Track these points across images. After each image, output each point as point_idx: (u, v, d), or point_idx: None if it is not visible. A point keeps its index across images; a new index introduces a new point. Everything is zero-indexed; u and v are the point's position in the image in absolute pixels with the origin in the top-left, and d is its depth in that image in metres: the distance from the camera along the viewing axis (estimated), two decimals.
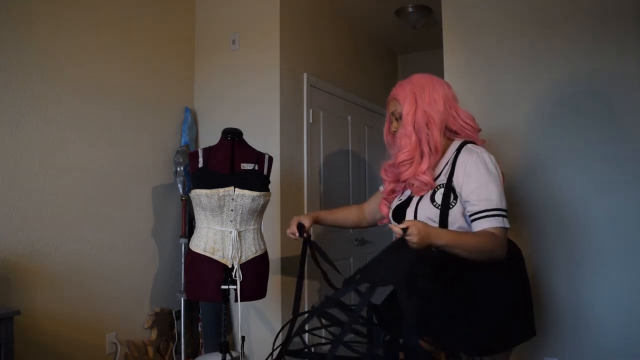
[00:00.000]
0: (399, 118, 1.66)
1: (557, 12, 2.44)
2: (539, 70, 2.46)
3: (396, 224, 1.35)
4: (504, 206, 1.53)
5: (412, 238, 1.34)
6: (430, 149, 1.60)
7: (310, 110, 3.18)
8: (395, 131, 1.68)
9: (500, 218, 1.50)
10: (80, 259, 2.43)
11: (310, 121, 3.18)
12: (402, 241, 1.32)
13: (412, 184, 1.64)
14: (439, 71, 2.72)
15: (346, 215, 2.06)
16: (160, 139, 2.91)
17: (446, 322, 1.51)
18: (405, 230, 1.34)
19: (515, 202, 2.44)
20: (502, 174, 1.67)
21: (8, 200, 2.15)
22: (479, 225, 1.51)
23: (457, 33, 2.67)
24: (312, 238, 3.10)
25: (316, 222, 2.01)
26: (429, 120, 1.61)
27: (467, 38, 2.64)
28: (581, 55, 2.37)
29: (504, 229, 1.51)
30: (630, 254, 2.24)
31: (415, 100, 1.62)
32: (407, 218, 1.64)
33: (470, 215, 1.53)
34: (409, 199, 1.68)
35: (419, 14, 3.61)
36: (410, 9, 3.59)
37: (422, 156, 1.61)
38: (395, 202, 1.74)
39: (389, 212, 1.78)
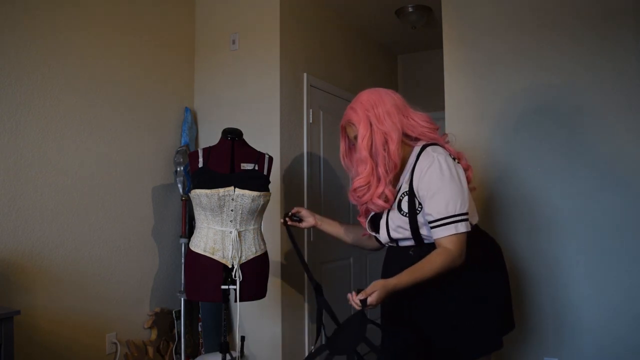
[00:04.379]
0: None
1: (557, 11, 2.44)
2: (539, 69, 2.46)
3: (353, 296, 1.43)
4: (458, 210, 1.52)
5: (372, 305, 1.42)
6: (387, 170, 1.60)
7: (310, 110, 3.18)
8: None
9: (453, 225, 1.51)
10: (80, 259, 2.43)
11: (310, 121, 3.18)
12: (360, 313, 1.42)
13: (371, 208, 1.68)
14: (439, 71, 2.73)
15: (342, 232, 2.03)
16: (160, 139, 2.91)
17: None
18: (364, 301, 1.41)
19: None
20: (468, 167, 1.69)
21: (8, 200, 2.15)
22: (435, 234, 1.54)
23: (457, 33, 2.67)
24: (311, 239, 3.13)
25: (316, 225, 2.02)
26: (386, 140, 1.60)
27: (467, 38, 2.64)
28: (581, 54, 2.37)
29: (459, 234, 1.52)
30: (621, 255, 2.25)
31: (369, 123, 1.61)
32: (380, 229, 1.69)
33: (429, 224, 1.57)
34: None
35: (419, 14, 3.61)
36: (410, 9, 3.59)
37: (378, 180, 1.62)
38: (371, 213, 1.77)
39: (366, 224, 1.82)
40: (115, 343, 2.57)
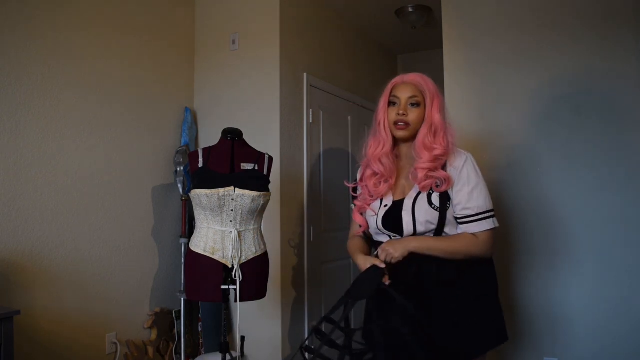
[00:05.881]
0: (415, 104, 1.65)
1: (557, 11, 2.44)
2: (539, 69, 2.46)
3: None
4: (492, 206, 1.62)
5: (390, 256, 1.56)
6: (434, 141, 1.64)
7: (310, 110, 3.18)
8: (403, 114, 1.64)
9: (491, 219, 1.60)
10: (80, 259, 2.43)
11: (310, 121, 3.18)
12: (372, 266, 1.56)
13: (430, 180, 1.61)
14: (439, 71, 2.73)
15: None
16: (160, 139, 2.91)
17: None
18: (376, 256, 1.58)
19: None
20: None
21: (8, 200, 2.15)
22: (471, 229, 1.58)
23: (457, 32, 2.67)
24: (311, 239, 3.13)
25: None
26: (442, 123, 1.65)
27: (467, 37, 2.64)
28: (581, 54, 2.37)
29: (494, 228, 1.60)
30: (622, 255, 2.24)
31: (441, 100, 1.68)
32: (404, 222, 1.61)
33: (461, 218, 1.59)
34: (397, 203, 1.65)
35: (419, 14, 3.61)
36: (410, 9, 3.59)
37: (429, 132, 1.64)
38: (382, 210, 1.68)
39: (365, 219, 1.74)
40: (115, 343, 2.57)
